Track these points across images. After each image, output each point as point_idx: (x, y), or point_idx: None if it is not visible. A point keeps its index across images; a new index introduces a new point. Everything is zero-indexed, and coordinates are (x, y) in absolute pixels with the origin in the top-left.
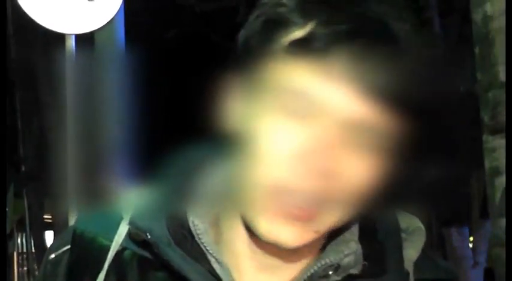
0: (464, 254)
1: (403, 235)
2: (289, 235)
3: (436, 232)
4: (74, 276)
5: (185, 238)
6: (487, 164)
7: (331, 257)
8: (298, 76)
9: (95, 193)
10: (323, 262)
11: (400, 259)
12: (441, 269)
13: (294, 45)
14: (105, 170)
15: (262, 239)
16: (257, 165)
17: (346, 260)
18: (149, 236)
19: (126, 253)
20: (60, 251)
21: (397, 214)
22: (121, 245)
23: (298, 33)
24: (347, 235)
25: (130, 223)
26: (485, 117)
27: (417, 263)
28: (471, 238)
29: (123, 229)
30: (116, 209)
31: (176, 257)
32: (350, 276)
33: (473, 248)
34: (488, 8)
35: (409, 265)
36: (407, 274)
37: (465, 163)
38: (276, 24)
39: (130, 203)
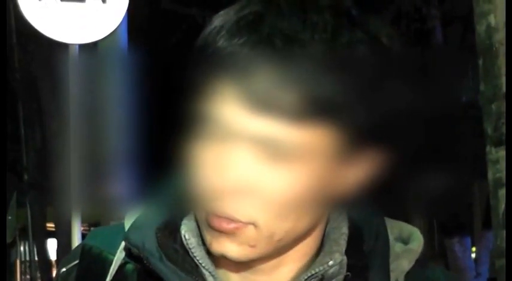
0: (466, 265)
1: (402, 246)
2: (230, 249)
3: (438, 242)
4: None
5: (177, 252)
6: (490, 175)
7: (316, 268)
8: (205, 100)
9: (98, 201)
10: (309, 274)
11: (386, 271)
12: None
13: (201, 66)
14: (108, 178)
15: (212, 253)
16: (190, 189)
17: (330, 271)
18: (141, 251)
19: (128, 266)
20: (70, 265)
21: (395, 225)
22: (123, 259)
23: (207, 53)
24: (333, 246)
25: (125, 238)
26: (489, 129)
27: (409, 274)
28: (473, 249)
29: (123, 244)
30: (120, 224)
31: (168, 272)
32: None
33: (475, 259)
34: (492, 19)
35: (399, 276)
36: None
37: (467, 173)
38: (200, 48)
39: (129, 218)
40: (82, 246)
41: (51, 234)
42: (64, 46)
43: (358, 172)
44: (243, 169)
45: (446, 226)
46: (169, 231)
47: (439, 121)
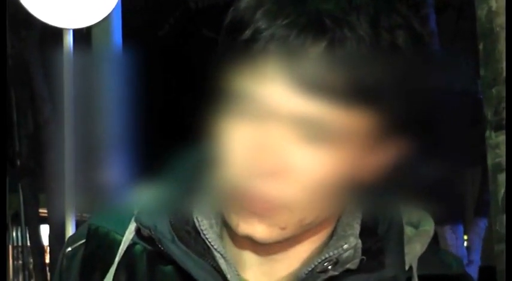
0: (458, 253)
1: (412, 230)
2: (258, 230)
3: None
4: (88, 269)
5: (189, 234)
6: (489, 160)
7: (330, 252)
8: (244, 79)
9: (91, 187)
10: (323, 257)
11: (401, 254)
12: (446, 264)
13: (239, 46)
14: (101, 164)
15: (237, 233)
16: (221, 168)
17: (345, 255)
18: (153, 233)
19: (137, 247)
20: (75, 245)
21: (405, 209)
22: (132, 240)
23: (245, 34)
24: (348, 230)
25: (136, 220)
26: (489, 114)
27: (422, 258)
28: (465, 237)
29: (133, 225)
30: (128, 206)
31: (180, 253)
32: (347, 271)
33: (467, 247)
34: (493, 3)
35: (413, 260)
36: (410, 268)
37: (459, 160)
38: (235, 26)
39: (140, 200)
40: (88, 225)
41: (43, 220)
42: (59, 32)
43: (382, 159)
44: (284, 150)
45: (438, 213)
46: (182, 213)
47: (440, 108)
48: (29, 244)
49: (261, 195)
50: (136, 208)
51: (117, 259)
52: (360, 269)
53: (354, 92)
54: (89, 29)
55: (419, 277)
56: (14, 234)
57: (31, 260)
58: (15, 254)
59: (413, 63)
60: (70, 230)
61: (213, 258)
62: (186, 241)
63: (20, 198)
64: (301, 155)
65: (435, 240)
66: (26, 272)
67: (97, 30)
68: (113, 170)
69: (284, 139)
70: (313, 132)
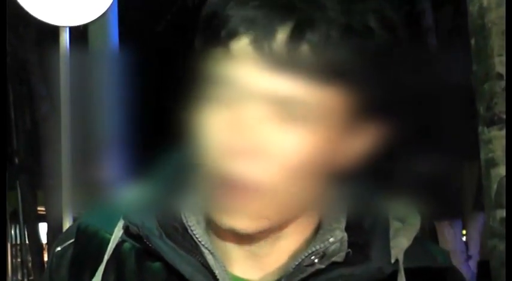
0: (457, 248)
1: (398, 224)
2: (240, 221)
3: (428, 225)
4: (77, 267)
5: (176, 230)
6: (482, 155)
7: (317, 245)
8: (219, 65)
9: (88, 185)
10: (310, 251)
11: (386, 248)
12: (432, 257)
13: (212, 33)
14: (98, 162)
15: (221, 226)
16: (200, 156)
17: (332, 248)
18: (140, 229)
19: (125, 245)
20: (65, 244)
21: (392, 204)
22: (120, 237)
23: (217, 20)
24: (333, 223)
25: (124, 217)
26: (481, 109)
27: (408, 252)
28: (464, 231)
29: (121, 223)
30: (118, 204)
31: (168, 250)
32: (334, 264)
33: (466, 241)
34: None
35: (399, 253)
36: (396, 262)
37: (457, 154)
38: (209, 15)
39: (128, 198)
40: (78, 225)
41: (42, 217)
42: (55, 30)
43: (361, 143)
44: (259, 129)
45: (436, 208)
46: (169, 210)
47: (433, 102)
48: (27, 242)
49: (240, 178)
50: (125, 206)
51: (105, 257)
52: (346, 261)
53: (324, 70)
54: (85, 26)
55: (405, 269)
56: (13, 232)
57: (30, 258)
58: (13, 252)
59: (384, 46)
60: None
61: (201, 254)
62: (174, 238)
63: (18, 196)
64: (276, 133)
65: (429, 234)
66: (25, 270)
67: (94, 27)
68: (110, 167)
69: (259, 119)
70: (287, 110)
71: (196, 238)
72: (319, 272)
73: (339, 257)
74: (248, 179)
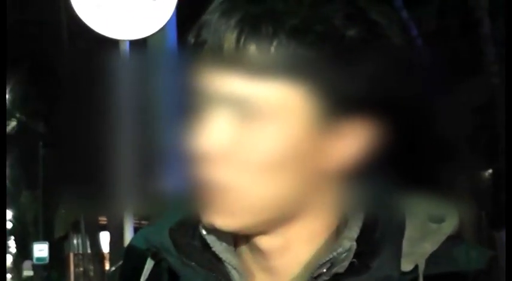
0: None
1: (431, 225)
2: (216, 218)
3: (486, 235)
4: None
5: (195, 249)
6: None
7: (326, 257)
8: (196, 76)
9: (149, 194)
10: (320, 262)
11: (396, 256)
12: (458, 261)
13: (193, 47)
14: (160, 171)
15: (207, 226)
16: (186, 165)
17: (341, 257)
18: (159, 250)
19: (163, 264)
20: (118, 265)
21: (425, 203)
22: (159, 256)
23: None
24: (346, 232)
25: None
26: None
27: (431, 257)
28: None
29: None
30: (166, 222)
31: (187, 271)
32: (336, 275)
33: None
34: None
35: (419, 259)
36: (415, 268)
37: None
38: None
39: (170, 215)
40: (127, 246)
41: (103, 227)
42: (114, 43)
43: (348, 144)
44: (220, 132)
45: (494, 218)
46: (186, 228)
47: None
48: (89, 251)
49: (210, 179)
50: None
51: (142, 279)
52: (349, 272)
53: (272, 66)
54: (145, 38)
55: (430, 276)
56: (75, 242)
57: (91, 267)
58: (76, 262)
59: (349, 45)
60: (128, 237)
61: (222, 272)
62: (192, 257)
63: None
64: (238, 134)
65: (491, 246)
66: (87, 279)
67: (153, 38)
68: (172, 177)
69: (221, 121)
70: (245, 111)
71: (217, 254)
72: None
73: (340, 268)
74: (217, 180)
